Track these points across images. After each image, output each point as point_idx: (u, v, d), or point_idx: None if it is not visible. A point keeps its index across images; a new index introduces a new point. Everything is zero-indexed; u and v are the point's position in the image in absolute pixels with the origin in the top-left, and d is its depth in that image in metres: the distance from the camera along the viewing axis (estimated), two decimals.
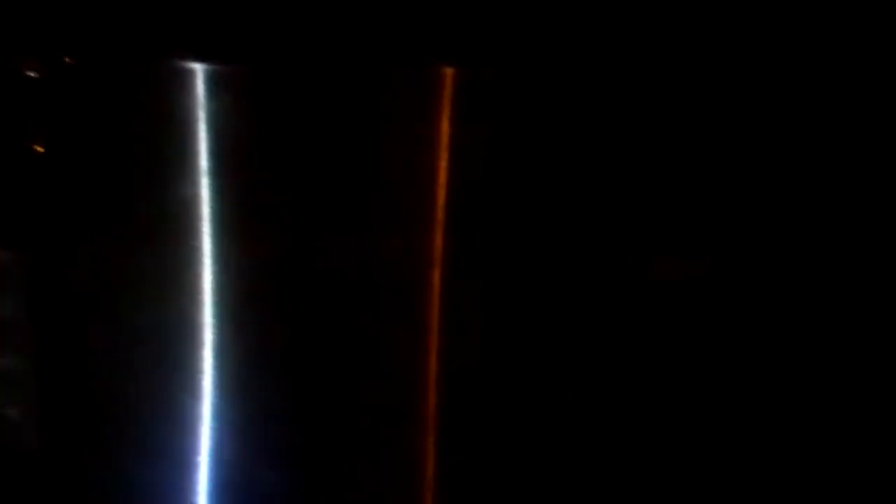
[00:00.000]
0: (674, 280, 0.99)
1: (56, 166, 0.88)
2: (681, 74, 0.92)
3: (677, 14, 0.92)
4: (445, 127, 0.86)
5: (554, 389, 0.97)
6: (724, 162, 0.98)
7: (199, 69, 0.84)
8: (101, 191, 0.88)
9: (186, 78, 0.84)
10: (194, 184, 0.86)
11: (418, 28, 0.84)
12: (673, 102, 0.94)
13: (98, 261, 0.89)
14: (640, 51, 0.90)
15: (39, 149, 0.87)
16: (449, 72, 0.85)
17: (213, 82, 0.84)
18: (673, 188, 0.96)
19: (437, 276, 0.89)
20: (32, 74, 0.84)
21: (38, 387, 0.93)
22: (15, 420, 0.95)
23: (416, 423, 0.92)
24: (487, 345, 0.93)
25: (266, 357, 0.89)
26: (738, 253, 1.01)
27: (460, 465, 0.94)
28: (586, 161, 0.93)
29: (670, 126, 0.94)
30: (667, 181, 0.96)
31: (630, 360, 1.00)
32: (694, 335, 1.02)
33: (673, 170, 0.96)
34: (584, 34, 0.88)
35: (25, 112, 0.87)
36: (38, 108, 0.87)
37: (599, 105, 0.92)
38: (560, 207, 0.93)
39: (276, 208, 0.86)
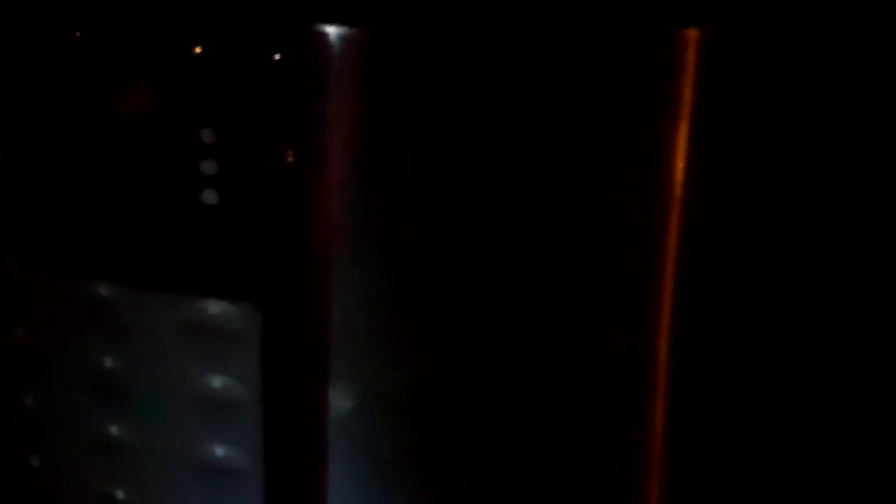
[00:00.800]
0: None
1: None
2: None
3: None
4: (687, 98, 0.79)
5: (789, 392, 0.90)
6: None
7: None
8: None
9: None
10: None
11: None
12: None
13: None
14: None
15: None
16: (693, 35, 0.78)
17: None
18: None
19: (671, 260, 0.82)
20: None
21: (266, 483, 0.82)
22: None
23: (643, 428, 0.85)
24: (727, 342, 0.85)
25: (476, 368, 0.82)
26: None
27: (690, 473, 0.88)
28: (847, 133, 0.84)
29: None
30: None
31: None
32: None
33: None
34: None
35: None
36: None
37: (858, 67, 0.82)
38: (815, 189, 0.85)
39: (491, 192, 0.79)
